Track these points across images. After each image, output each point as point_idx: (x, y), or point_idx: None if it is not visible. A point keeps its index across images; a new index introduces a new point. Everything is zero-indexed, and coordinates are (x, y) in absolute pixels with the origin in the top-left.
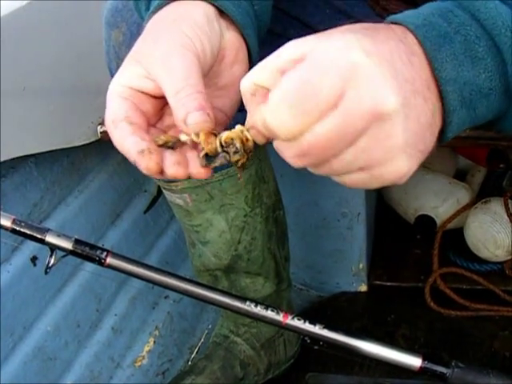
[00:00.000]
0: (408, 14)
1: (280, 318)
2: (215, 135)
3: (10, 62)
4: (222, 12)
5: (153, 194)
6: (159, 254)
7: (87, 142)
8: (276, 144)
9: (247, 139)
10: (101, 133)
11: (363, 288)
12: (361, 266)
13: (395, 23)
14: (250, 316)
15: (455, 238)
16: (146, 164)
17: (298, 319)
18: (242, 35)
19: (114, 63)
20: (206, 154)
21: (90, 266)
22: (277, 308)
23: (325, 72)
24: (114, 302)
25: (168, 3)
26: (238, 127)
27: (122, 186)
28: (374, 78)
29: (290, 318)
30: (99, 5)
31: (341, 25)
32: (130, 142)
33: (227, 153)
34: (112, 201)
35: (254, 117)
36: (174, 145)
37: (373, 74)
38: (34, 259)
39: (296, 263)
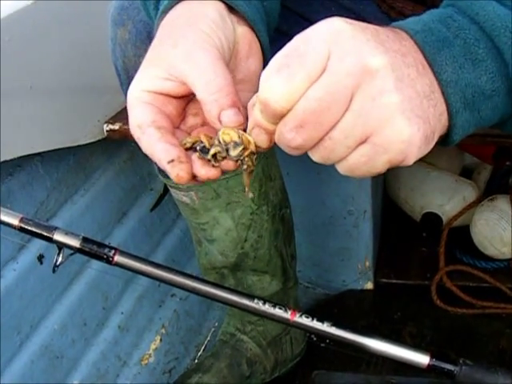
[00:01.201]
0: (409, 21)
1: (288, 315)
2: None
3: (16, 61)
4: (231, 8)
5: (159, 192)
6: (165, 252)
7: (93, 140)
8: (276, 130)
9: (249, 142)
10: (107, 131)
11: (369, 286)
12: (367, 263)
13: (398, 28)
14: (258, 314)
15: (461, 236)
16: (176, 173)
17: (306, 317)
18: (253, 30)
19: (120, 61)
20: (203, 148)
21: (96, 264)
22: (284, 306)
23: (309, 38)
24: (121, 300)
25: (177, 3)
26: (237, 130)
27: (128, 184)
28: (357, 37)
29: (297, 315)
30: (105, 3)
31: None
32: (159, 149)
33: (226, 149)
34: (118, 199)
35: (254, 115)
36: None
37: (355, 35)
38: (40, 257)
39: (302, 261)
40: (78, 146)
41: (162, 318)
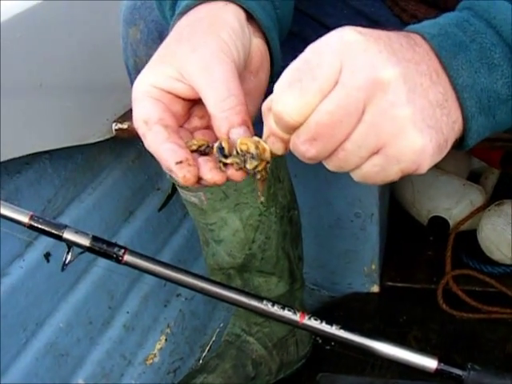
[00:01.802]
0: (425, 24)
1: (297, 317)
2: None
3: (27, 58)
4: (249, 16)
5: (167, 192)
6: (172, 252)
7: (102, 139)
8: (290, 141)
9: (264, 149)
10: (115, 130)
11: (375, 289)
12: (373, 266)
13: (413, 32)
14: (267, 315)
15: (468, 240)
16: (183, 175)
17: (315, 319)
18: (266, 40)
19: (132, 60)
20: (221, 149)
21: (103, 262)
22: (293, 308)
23: (321, 51)
24: (126, 299)
25: (197, 4)
26: (255, 138)
27: (135, 183)
28: (369, 50)
29: (306, 317)
30: (117, 2)
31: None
32: (166, 149)
33: (244, 160)
34: (125, 198)
35: (269, 124)
36: (206, 149)
37: (367, 47)
38: (47, 255)
39: (308, 263)
40: (87, 144)
41: (168, 318)
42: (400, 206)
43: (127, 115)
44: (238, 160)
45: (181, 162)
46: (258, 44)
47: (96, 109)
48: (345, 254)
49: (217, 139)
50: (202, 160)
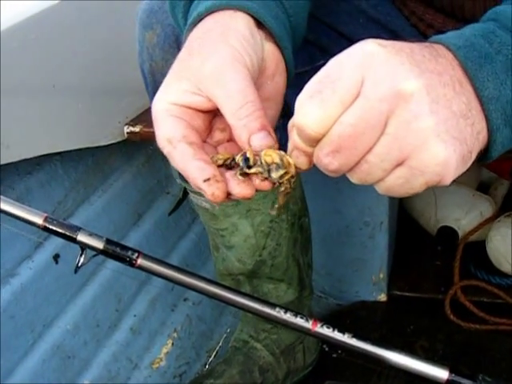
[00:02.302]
0: (450, 35)
1: (309, 325)
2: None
3: (41, 59)
4: (259, 23)
5: (177, 197)
6: (180, 256)
7: (113, 141)
8: (314, 154)
9: (289, 163)
10: (127, 133)
11: (383, 298)
12: (381, 275)
13: (437, 43)
14: (280, 322)
15: (477, 251)
16: (212, 192)
17: (327, 327)
18: (279, 47)
19: (147, 64)
20: (246, 159)
21: (111, 265)
22: (306, 315)
23: (342, 63)
24: (134, 302)
25: (208, 14)
26: (279, 152)
27: (145, 187)
28: (391, 61)
29: (318, 325)
30: (133, 5)
31: (373, 34)
32: (194, 167)
33: (268, 170)
34: (135, 201)
35: (293, 138)
36: (231, 163)
37: (389, 59)
38: (56, 257)
39: (316, 270)
40: (98, 146)
41: (174, 322)
42: (409, 215)
43: (139, 118)
44: (261, 169)
45: (209, 180)
46: (270, 49)
47: (108, 111)
48: (353, 262)
49: (241, 151)
50: (229, 175)
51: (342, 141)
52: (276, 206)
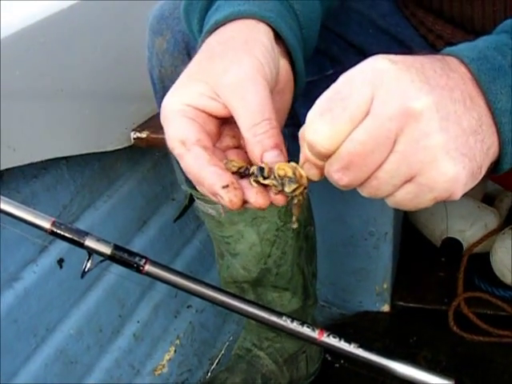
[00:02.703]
0: (463, 47)
1: (315, 334)
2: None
3: (50, 63)
4: (276, 35)
5: (183, 203)
6: (184, 263)
7: (120, 147)
8: (325, 168)
9: (301, 175)
10: (134, 139)
11: (386, 308)
12: (385, 285)
13: (450, 55)
14: (286, 331)
15: (481, 263)
16: (230, 199)
17: (334, 337)
18: (291, 60)
19: (156, 70)
20: (261, 169)
21: (116, 269)
22: (312, 325)
23: (352, 80)
24: (137, 308)
25: (227, 22)
26: (291, 164)
27: (150, 193)
28: (401, 79)
29: (325, 335)
30: (143, 11)
31: (383, 44)
32: (210, 172)
33: (282, 184)
34: (140, 207)
35: (304, 151)
36: (245, 172)
37: (399, 76)
38: (60, 261)
39: (320, 280)
40: (104, 152)
41: (177, 329)
42: (413, 226)
43: (146, 124)
44: (275, 183)
45: (227, 186)
46: (284, 65)
47: (115, 117)
48: (357, 272)
49: (249, 159)
50: (246, 183)
51: (352, 158)
52: (293, 219)
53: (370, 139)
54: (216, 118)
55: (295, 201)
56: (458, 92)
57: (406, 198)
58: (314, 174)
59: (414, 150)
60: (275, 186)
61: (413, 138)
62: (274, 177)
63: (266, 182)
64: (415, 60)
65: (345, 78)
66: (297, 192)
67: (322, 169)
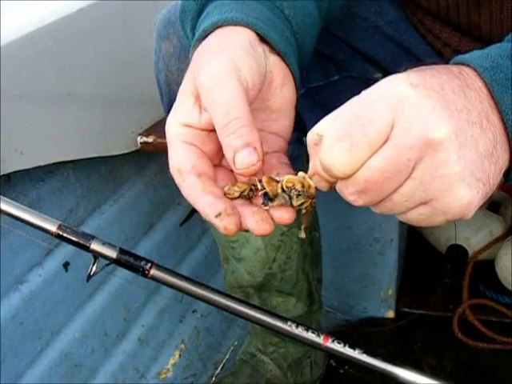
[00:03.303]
0: (476, 56)
1: (320, 340)
2: (277, 181)
3: (58, 66)
4: (262, 38)
5: (189, 207)
6: (189, 268)
7: (126, 151)
8: (337, 185)
9: (309, 186)
10: (140, 143)
11: (390, 314)
12: (390, 292)
13: (461, 64)
14: (291, 336)
15: (486, 270)
16: (224, 226)
17: (338, 343)
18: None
19: (163, 75)
20: (266, 194)
21: (121, 273)
22: (317, 330)
23: (373, 105)
24: (142, 312)
25: (213, 30)
26: (300, 174)
27: (156, 197)
28: (422, 107)
29: (330, 340)
30: (150, 15)
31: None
32: (204, 202)
33: (289, 196)
34: (146, 211)
35: (315, 163)
36: (249, 194)
37: (420, 104)
38: (66, 265)
39: (325, 285)
40: (111, 156)
41: (182, 334)
42: (419, 232)
43: (153, 129)
44: (283, 200)
45: (220, 214)
46: (276, 60)
47: (122, 121)
48: (362, 278)
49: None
50: (248, 212)
51: (369, 184)
52: (302, 227)
53: (388, 167)
54: (214, 132)
55: (303, 211)
56: (475, 113)
57: (419, 218)
58: (324, 186)
59: (432, 177)
60: (283, 204)
61: (431, 167)
62: (282, 189)
63: (275, 204)
64: (434, 80)
65: (364, 102)
66: (305, 205)
67: (332, 183)
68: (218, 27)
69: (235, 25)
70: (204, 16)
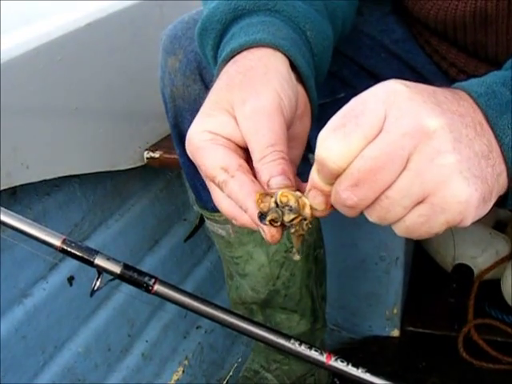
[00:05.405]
0: (472, 83)
1: (323, 358)
2: (271, 196)
3: (65, 81)
4: (291, 63)
5: (194, 223)
6: (194, 284)
7: (132, 166)
8: (332, 188)
9: (304, 205)
10: (147, 158)
11: (395, 333)
12: (395, 310)
13: (458, 89)
14: (294, 354)
15: (492, 290)
16: (271, 234)
17: (341, 361)
18: (305, 86)
19: (168, 90)
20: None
21: (126, 288)
22: (320, 348)
23: (366, 99)
24: (146, 328)
25: (243, 50)
26: (297, 193)
27: (162, 212)
28: (414, 99)
29: (333, 359)
30: (157, 31)
31: (394, 69)
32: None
33: (282, 212)
34: (151, 227)
35: (311, 176)
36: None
37: (412, 97)
38: (70, 279)
39: (330, 303)
40: (117, 170)
41: (186, 350)
42: (425, 251)
43: (159, 144)
44: (276, 215)
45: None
46: (300, 90)
47: (129, 136)
48: (367, 297)
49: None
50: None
51: (362, 175)
52: (294, 250)
53: (381, 155)
54: (242, 148)
55: (292, 230)
56: (469, 118)
57: (418, 221)
58: (320, 203)
59: (427, 168)
60: (276, 219)
61: (426, 156)
62: (276, 204)
63: (267, 218)
64: (427, 86)
65: (358, 98)
66: (295, 222)
67: (327, 196)
68: (246, 48)
69: (265, 46)
70: (230, 36)
